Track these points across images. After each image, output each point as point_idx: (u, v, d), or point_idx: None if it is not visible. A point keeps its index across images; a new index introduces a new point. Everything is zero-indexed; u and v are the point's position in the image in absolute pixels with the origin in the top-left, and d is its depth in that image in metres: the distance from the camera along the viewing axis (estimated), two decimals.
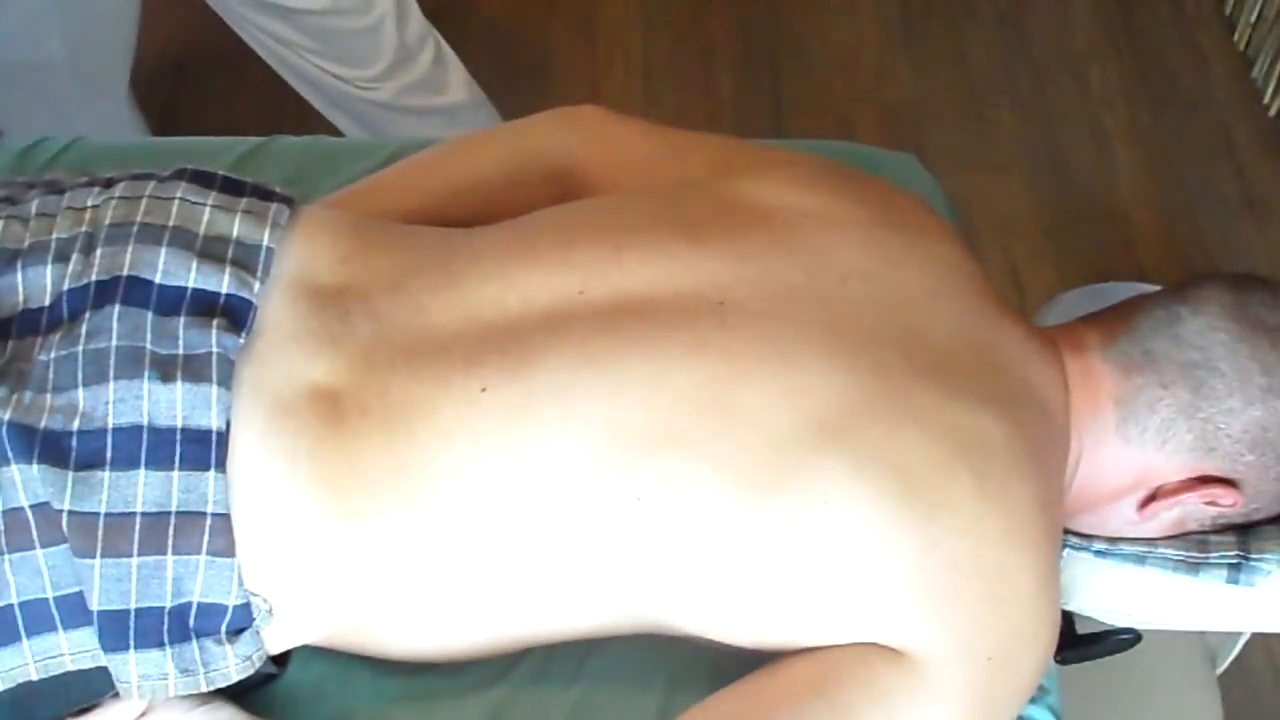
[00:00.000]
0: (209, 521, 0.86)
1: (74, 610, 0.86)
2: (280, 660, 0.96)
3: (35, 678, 0.87)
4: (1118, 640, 1.13)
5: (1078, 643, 1.13)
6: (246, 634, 0.88)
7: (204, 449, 0.86)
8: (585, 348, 0.91)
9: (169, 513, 0.85)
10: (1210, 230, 2.25)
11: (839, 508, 0.87)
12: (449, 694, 0.97)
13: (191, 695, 0.90)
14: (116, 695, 0.89)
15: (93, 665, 0.87)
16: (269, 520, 0.88)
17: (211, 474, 0.86)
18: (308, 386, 0.90)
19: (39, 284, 0.92)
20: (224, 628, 0.87)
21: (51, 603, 0.85)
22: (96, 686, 0.88)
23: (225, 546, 0.86)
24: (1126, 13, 2.62)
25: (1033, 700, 1.00)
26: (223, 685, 0.88)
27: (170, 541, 0.85)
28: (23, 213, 0.96)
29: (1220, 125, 2.41)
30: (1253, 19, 2.49)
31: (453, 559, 0.90)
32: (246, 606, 0.88)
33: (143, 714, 0.90)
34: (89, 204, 0.96)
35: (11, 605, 0.85)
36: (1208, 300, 1.00)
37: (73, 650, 0.87)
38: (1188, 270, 2.14)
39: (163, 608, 0.86)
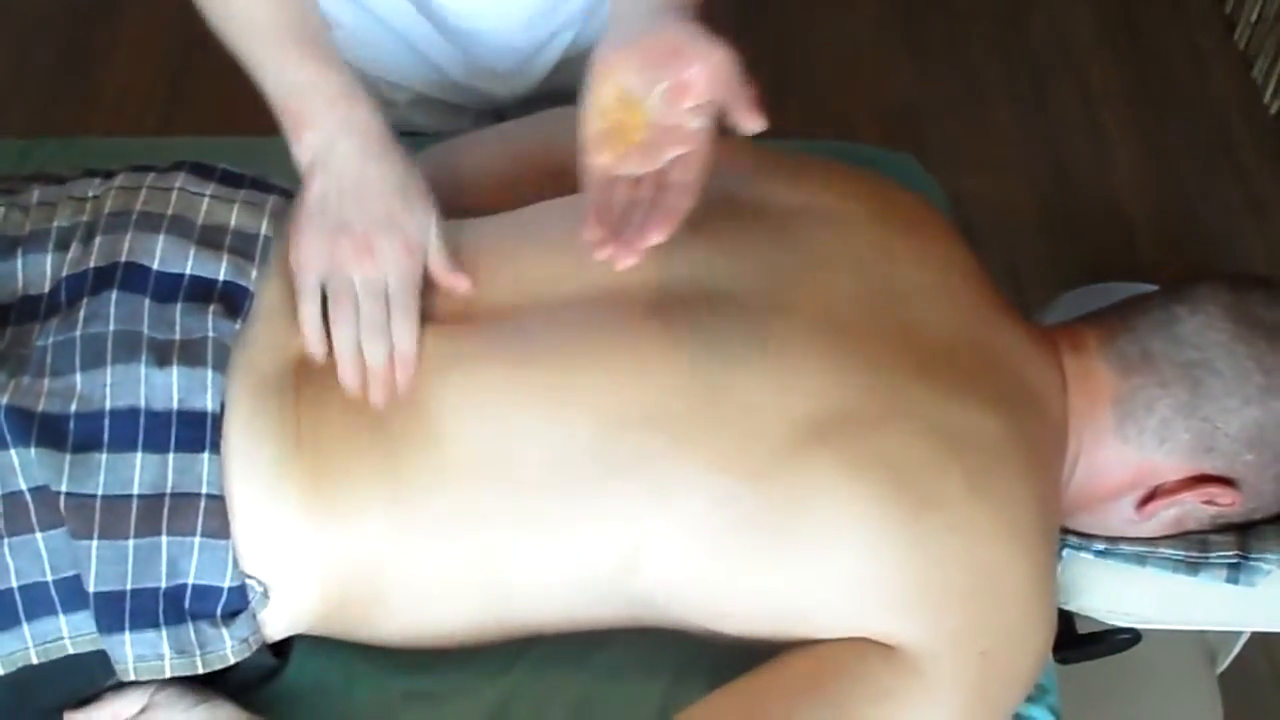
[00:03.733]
0: (203, 503, 0.86)
1: (73, 593, 0.86)
2: (281, 652, 0.96)
3: (35, 661, 0.87)
4: (1118, 640, 1.13)
5: (1078, 642, 1.13)
6: (242, 616, 0.89)
7: (199, 431, 0.87)
8: (577, 333, 0.92)
9: (164, 494, 0.86)
10: (1210, 230, 2.25)
11: (827, 502, 0.87)
12: (451, 691, 0.97)
13: (191, 693, 0.90)
14: (115, 688, 0.89)
15: (93, 649, 0.87)
16: (263, 502, 0.88)
17: (206, 455, 0.87)
18: (304, 373, 0.91)
19: (39, 271, 0.93)
20: (219, 610, 0.88)
21: (51, 586, 0.86)
22: (97, 676, 0.88)
23: (219, 528, 0.87)
24: (1126, 13, 2.62)
25: (1032, 700, 1.00)
26: (219, 667, 0.89)
27: (165, 523, 0.86)
28: (23, 201, 0.97)
29: (1220, 125, 2.41)
30: (1253, 19, 2.49)
31: (447, 542, 0.90)
32: (242, 589, 0.88)
33: (142, 710, 0.90)
34: (89, 194, 0.97)
35: (11, 589, 0.85)
36: (1206, 300, 1.00)
37: (72, 634, 0.87)
38: (1188, 270, 2.14)
39: (158, 588, 0.86)
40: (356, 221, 0.91)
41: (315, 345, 0.90)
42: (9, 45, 2.47)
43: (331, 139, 0.92)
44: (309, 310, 0.91)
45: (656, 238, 0.84)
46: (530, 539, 0.90)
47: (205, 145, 1.37)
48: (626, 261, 0.84)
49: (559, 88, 1.30)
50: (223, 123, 2.28)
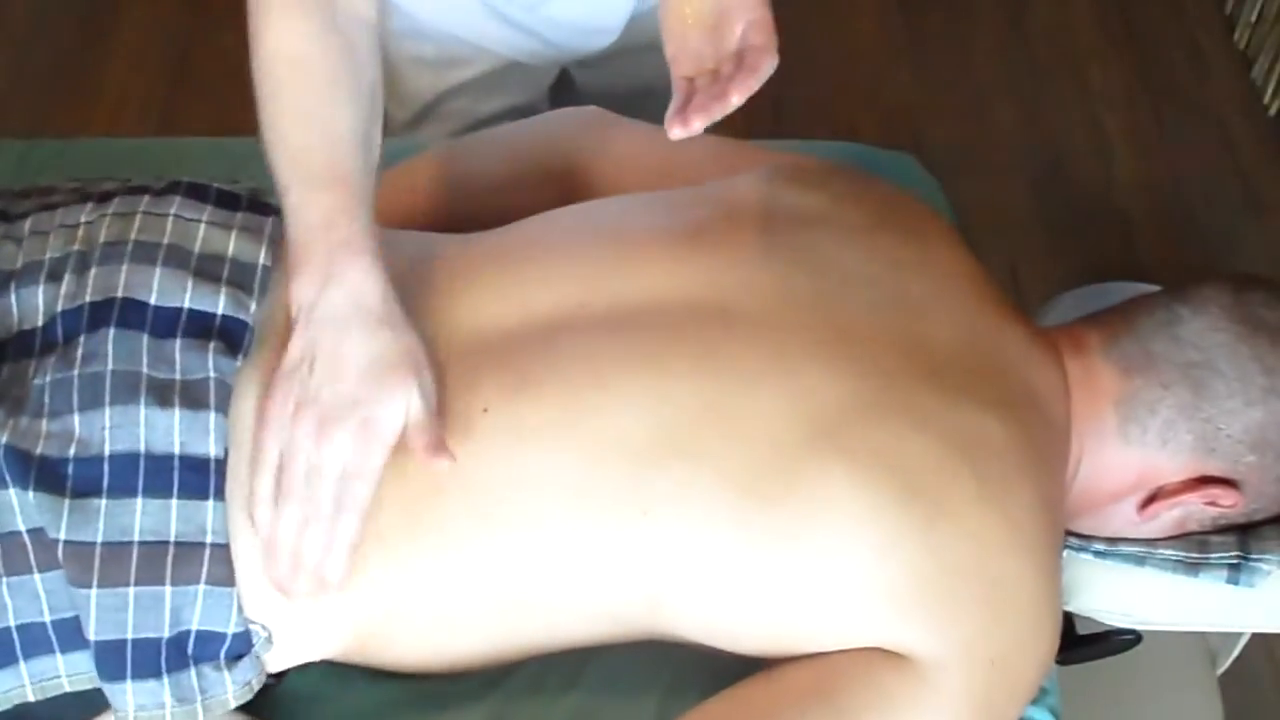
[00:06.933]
0: (208, 552, 0.85)
1: (72, 634, 0.85)
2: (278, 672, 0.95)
3: (32, 699, 0.86)
4: (1118, 641, 1.13)
5: (1078, 643, 1.13)
6: (245, 660, 0.88)
7: (203, 477, 0.86)
8: (588, 363, 0.90)
9: (167, 542, 0.85)
10: (1210, 230, 2.25)
11: (842, 513, 0.87)
12: (448, 699, 0.96)
13: None
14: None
15: (90, 687, 0.87)
16: None
17: (210, 503, 0.85)
18: None
19: (31, 304, 0.91)
20: (223, 654, 0.87)
21: (49, 626, 0.85)
22: (94, 700, 0.88)
23: (224, 576, 0.86)
24: (1126, 13, 2.62)
25: (1033, 701, 1.00)
26: (219, 713, 0.88)
27: (169, 572, 0.85)
28: (16, 232, 0.95)
29: (1220, 125, 2.41)
30: (1253, 19, 2.49)
31: (458, 578, 0.89)
32: (246, 634, 0.87)
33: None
34: (82, 220, 0.95)
35: (9, 628, 0.85)
36: (1209, 300, 1.00)
37: (70, 673, 0.87)
38: (1188, 270, 2.14)
39: (160, 639, 0.85)
40: (323, 398, 0.84)
41: (262, 522, 0.84)
42: (9, 45, 2.47)
43: (320, 294, 0.85)
44: (262, 481, 0.84)
45: (736, 98, 0.83)
46: (553, 580, 0.89)
47: (205, 146, 1.37)
48: (694, 124, 0.82)
49: (637, 41, 1.29)
50: (223, 123, 2.29)
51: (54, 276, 0.92)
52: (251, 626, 0.87)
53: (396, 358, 0.85)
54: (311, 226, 0.86)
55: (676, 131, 0.83)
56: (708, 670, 0.94)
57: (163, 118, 2.33)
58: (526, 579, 0.89)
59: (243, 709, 0.91)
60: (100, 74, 2.41)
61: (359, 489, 0.84)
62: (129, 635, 0.84)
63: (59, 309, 0.90)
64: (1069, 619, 1.12)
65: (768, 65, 0.84)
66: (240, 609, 0.86)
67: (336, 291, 0.85)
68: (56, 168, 1.29)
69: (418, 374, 0.85)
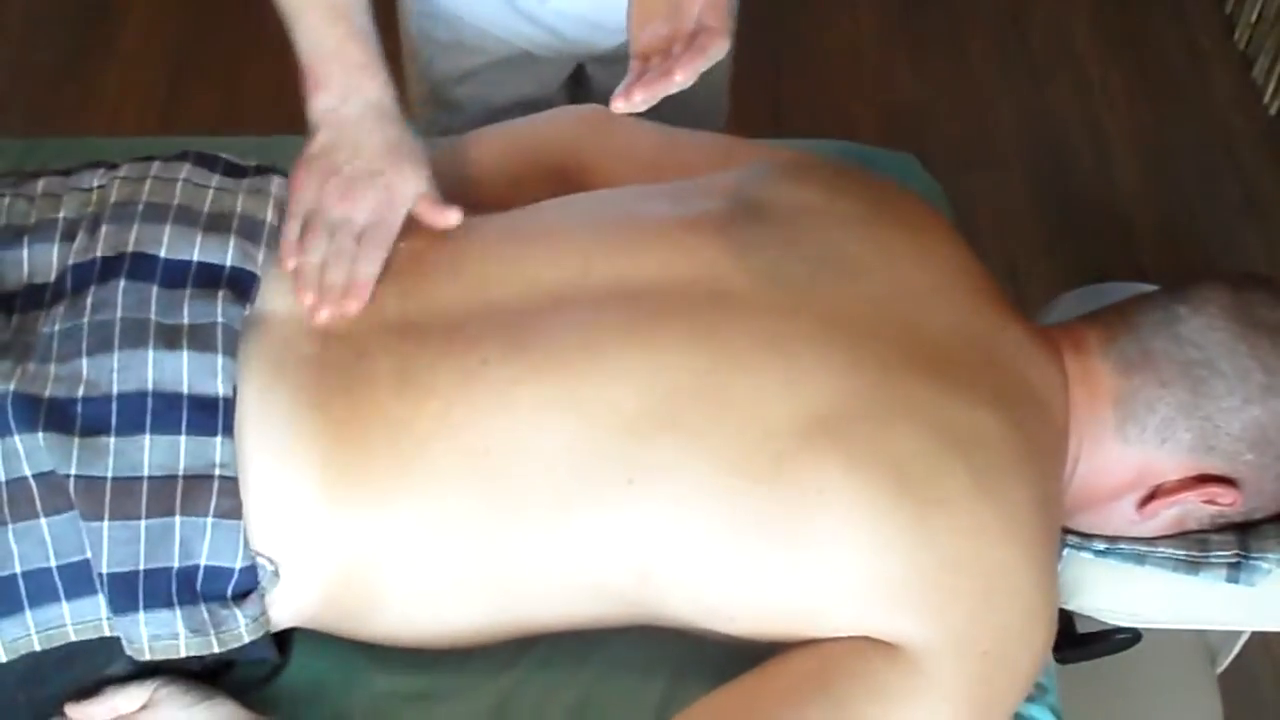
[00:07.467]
0: (216, 484, 0.87)
1: (77, 579, 0.86)
2: (283, 650, 0.96)
3: (38, 648, 0.87)
4: (1118, 640, 1.13)
5: (1078, 642, 1.13)
6: (252, 596, 0.89)
7: (210, 415, 0.88)
8: (585, 333, 0.92)
9: (176, 476, 0.87)
10: (1210, 230, 2.25)
11: (833, 501, 0.87)
12: (450, 691, 0.97)
13: (192, 691, 0.90)
14: (116, 683, 0.89)
15: (95, 636, 0.88)
16: (276, 480, 0.89)
17: (219, 439, 0.87)
18: (312, 355, 0.92)
19: (45, 260, 0.94)
20: (230, 590, 0.88)
21: (54, 572, 0.86)
22: (100, 664, 0.89)
23: (232, 508, 0.87)
24: (1126, 13, 2.62)
25: (1033, 699, 1.00)
26: (234, 646, 0.89)
27: (178, 503, 0.86)
28: (28, 191, 0.98)
29: (1220, 125, 2.41)
30: (1253, 19, 2.49)
31: (444, 524, 0.90)
32: (252, 569, 0.88)
33: (143, 706, 0.90)
34: (95, 184, 0.98)
35: (14, 575, 0.86)
36: (1207, 299, 1.00)
37: (75, 620, 0.87)
38: (1188, 270, 2.14)
39: (171, 568, 0.86)
40: (346, 168, 0.99)
41: (287, 258, 0.96)
42: (9, 45, 2.47)
43: (340, 102, 1.00)
44: (290, 229, 0.97)
45: (681, 76, 0.86)
46: (540, 543, 0.90)
47: (205, 145, 1.37)
48: (636, 99, 0.86)
49: None
50: (222, 123, 2.29)
51: (68, 236, 0.95)
52: (258, 560, 0.88)
53: (409, 145, 1.01)
54: (329, 52, 1.00)
55: (619, 105, 0.87)
56: (712, 663, 0.94)
57: (163, 118, 2.33)
58: (508, 531, 0.90)
59: (247, 702, 0.92)
60: (100, 74, 2.41)
61: (381, 232, 0.98)
62: (140, 566, 0.86)
63: (70, 263, 0.93)
64: (1069, 618, 1.12)
65: (718, 47, 0.87)
66: (247, 542, 0.88)
67: (356, 99, 1.00)
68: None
69: (425, 161, 1.01)
